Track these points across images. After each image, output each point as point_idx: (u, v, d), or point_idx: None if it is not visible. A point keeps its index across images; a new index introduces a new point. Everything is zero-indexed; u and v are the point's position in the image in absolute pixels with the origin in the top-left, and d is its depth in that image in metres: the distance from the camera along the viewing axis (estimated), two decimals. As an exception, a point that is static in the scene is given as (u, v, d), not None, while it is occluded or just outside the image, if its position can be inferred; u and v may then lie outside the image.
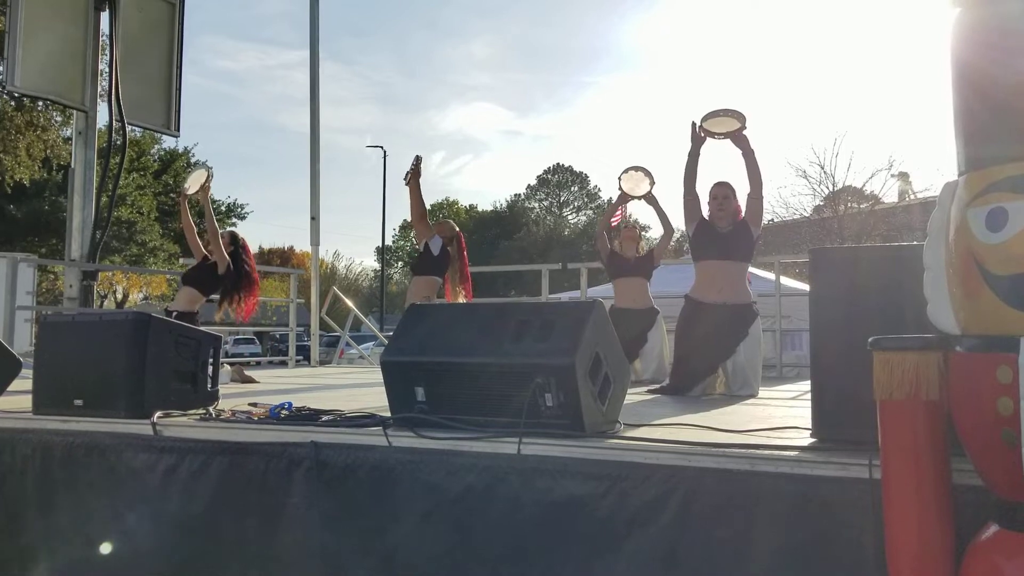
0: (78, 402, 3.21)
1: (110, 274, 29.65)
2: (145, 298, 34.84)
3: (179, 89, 8.01)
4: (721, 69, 75.36)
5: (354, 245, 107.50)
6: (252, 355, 23.60)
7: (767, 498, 2.15)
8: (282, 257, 46.57)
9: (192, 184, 6.06)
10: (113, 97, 7.23)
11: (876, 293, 2.26)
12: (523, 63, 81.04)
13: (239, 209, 39.13)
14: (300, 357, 9.42)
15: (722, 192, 4.90)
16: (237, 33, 79.78)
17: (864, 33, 66.34)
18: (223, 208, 38.20)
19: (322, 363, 9.55)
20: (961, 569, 1.67)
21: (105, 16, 7.40)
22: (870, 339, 1.81)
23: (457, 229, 6.26)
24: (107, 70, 7.44)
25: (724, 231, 4.83)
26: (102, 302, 31.19)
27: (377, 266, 47.20)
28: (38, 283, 12.51)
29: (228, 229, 6.33)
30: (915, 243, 2.07)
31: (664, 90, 79.11)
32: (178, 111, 8.03)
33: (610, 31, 76.78)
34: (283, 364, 9.90)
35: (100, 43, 7.44)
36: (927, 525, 1.71)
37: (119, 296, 33.64)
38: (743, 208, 4.90)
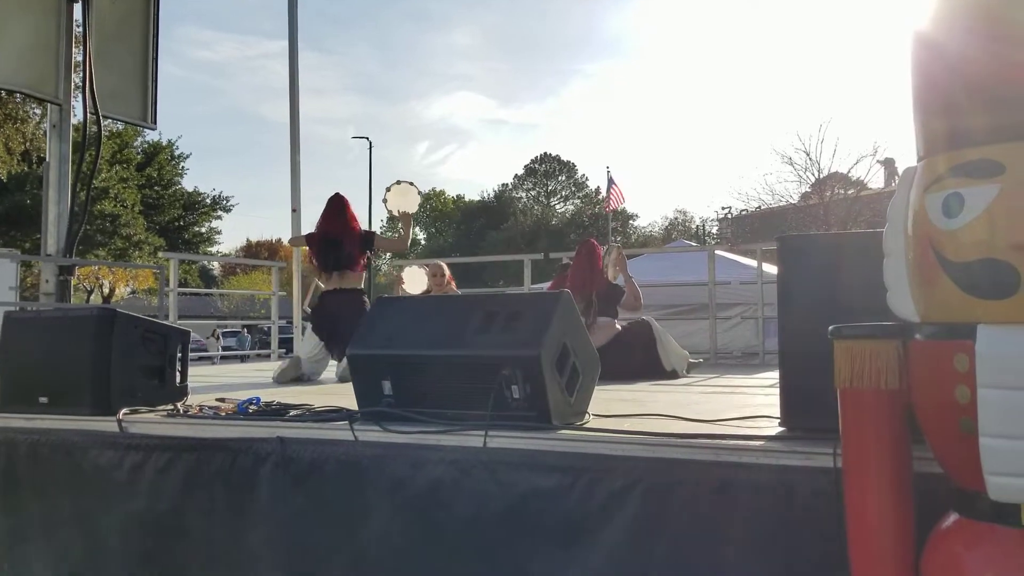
0: (43, 399, 3.16)
1: (95, 269, 29.40)
2: (132, 292, 34.59)
3: (155, 81, 7.90)
4: (707, 56, 75.52)
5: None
6: (226, 348, 23.43)
7: (733, 488, 2.14)
8: (270, 249, 46.34)
9: (409, 204, 5.96)
10: (87, 89, 7.13)
11: (843, 280, 2.24)
12: (505, 52, 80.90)
13: (224, 202, 38.84)
14: (283, 350, 9.36)
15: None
16: (216, 23, 79.24)
17: (848, 20, 66.40)
18: (208, 201, 37.92)
19: (305, 356, 9.48)
20: (921, 558, 1.66)
21: (78, 7, 7.30)
22: (830, 327, 1.79)
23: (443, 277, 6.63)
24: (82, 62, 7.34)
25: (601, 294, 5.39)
26: (87, 297, 30.96)
27: (364, 257, 46.89)
28: (22, 278, 12.35)
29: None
30: (883, 229, 2.04)
31: (649, 77, 79.06)
32: (155, 103, 7.91)
33: (593, 18, 76.67)
34: (268, 357, 9.83)
35: (73, 34, 7.33)
36: (887, 513, 1.69)
37: (106, 291, 33.37)
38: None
